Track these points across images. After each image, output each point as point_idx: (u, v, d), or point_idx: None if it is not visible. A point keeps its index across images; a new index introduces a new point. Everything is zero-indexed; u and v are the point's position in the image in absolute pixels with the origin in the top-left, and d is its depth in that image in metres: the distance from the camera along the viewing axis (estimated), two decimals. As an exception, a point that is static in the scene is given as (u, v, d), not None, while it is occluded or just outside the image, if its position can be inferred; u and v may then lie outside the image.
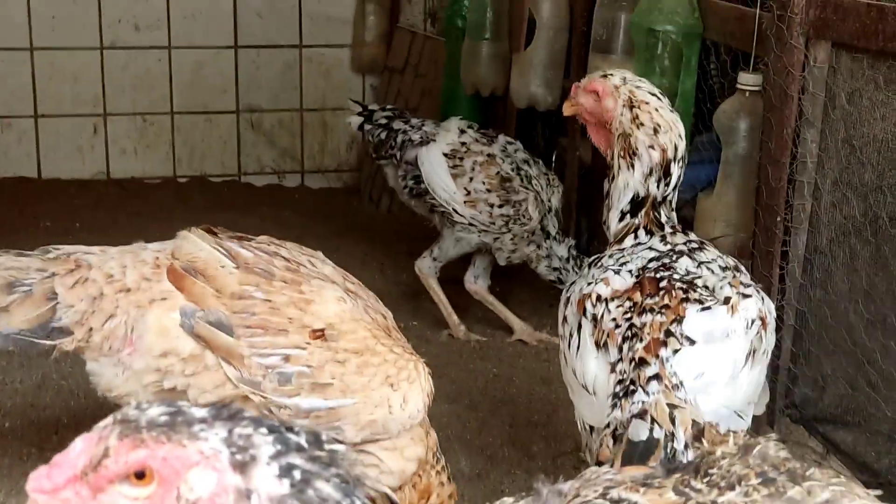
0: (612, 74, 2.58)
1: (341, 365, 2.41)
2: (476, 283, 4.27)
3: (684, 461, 2.00)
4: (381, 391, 2.43)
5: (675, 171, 2.47)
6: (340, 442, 2.42)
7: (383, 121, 4.29)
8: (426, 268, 4.24)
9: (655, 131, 2.45)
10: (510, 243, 4.10)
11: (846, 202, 2.76)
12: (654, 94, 2.49)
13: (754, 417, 3.03)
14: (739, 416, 2.25)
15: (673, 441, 2.05)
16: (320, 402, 2.40)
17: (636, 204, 2.48)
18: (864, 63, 2.69)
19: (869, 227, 2.69)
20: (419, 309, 4.50)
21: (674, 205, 2.51)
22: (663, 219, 2.47)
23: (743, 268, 2.45)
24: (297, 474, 1.07)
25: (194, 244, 2.51)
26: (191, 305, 2.43)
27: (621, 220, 2.50)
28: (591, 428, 2.22)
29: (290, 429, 1.10)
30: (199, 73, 5.94)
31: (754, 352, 2.26)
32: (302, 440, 1.09)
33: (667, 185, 2.47)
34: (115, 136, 5.92)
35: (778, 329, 3.03)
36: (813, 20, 2.79)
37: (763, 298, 2.35)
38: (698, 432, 2.07)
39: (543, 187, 4.10)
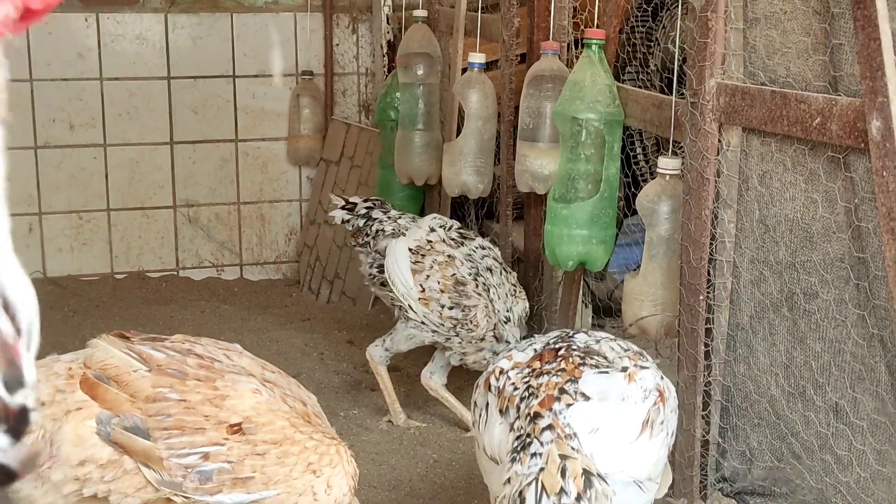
0: None
1: (261, 457, 2.44)
2: (431, 378, 4.23)
3: None
4: (304, 479, 2.45)
5: None
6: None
7: (363, 210, 4.37)
8: (377, 356, 4.24)
9: None
10: (459, 347, 4.08)
11: (763, 280, 2.86)
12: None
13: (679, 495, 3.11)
14: (639, 486, 2.29)
15: (561, 498, 2.08)
16: (243, 497, 2.42)
17: None
18: (772, 146, 2.80)
19: (785, 303, 2.78)
20: (359, 397, 4.51)
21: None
22: None
23: (648, 357, 2.51)
24: None
25: (105, 351, 2.54)
26: (106, 413, 2.44)
27: None
28: None
29: None
30: (136, 170, 5.97)
31: (652, 422, 2.30)
32: None
33: None
34: (50, 234, 5.91)
35: (705, 405, 3.11)
36: (724, 107, 2.90)
37: (662, 376, 2.41)
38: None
39: (502, 297, 4.09)
